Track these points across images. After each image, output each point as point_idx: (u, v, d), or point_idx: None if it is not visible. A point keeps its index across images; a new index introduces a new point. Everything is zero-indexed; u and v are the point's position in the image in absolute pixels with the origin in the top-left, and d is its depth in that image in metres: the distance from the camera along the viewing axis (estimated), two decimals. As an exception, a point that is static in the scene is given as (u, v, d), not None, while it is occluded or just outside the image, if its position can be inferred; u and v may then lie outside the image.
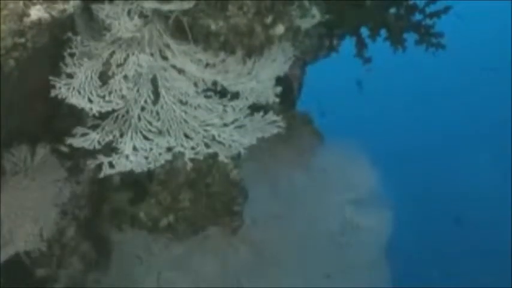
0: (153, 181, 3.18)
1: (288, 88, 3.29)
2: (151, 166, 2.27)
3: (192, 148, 2.26)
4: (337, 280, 3.10)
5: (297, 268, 3.15)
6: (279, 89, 2.68)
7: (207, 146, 2.28)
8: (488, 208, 12.77)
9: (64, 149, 2.49)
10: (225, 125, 2.27)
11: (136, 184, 3.23)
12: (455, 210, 12.51)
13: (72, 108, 2.31)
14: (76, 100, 2.21)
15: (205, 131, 2.27)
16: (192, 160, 3.28)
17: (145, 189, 3.24)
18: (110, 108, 2.23)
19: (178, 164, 3.28)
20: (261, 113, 2.34)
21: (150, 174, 3.29)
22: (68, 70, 2.33)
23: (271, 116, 2.36)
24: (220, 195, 3.35)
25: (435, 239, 12.12)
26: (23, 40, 2.18)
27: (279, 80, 2.79)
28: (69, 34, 2.33)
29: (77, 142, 2.19)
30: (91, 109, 2.22)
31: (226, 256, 3.19)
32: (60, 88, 2.25)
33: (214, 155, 3.39)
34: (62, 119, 2.45)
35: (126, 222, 3.23)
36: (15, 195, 2.32)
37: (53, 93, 2.20)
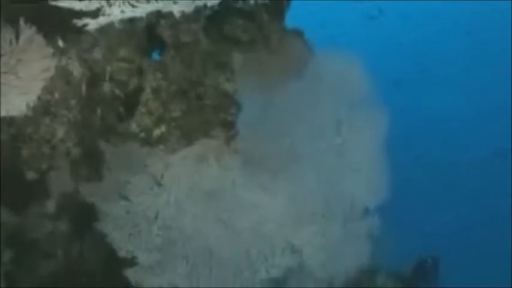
0: (145, 90, 3.15)
1: (276, -6, 3.29)
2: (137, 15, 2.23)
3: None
4: (336, 182, 3.05)
5: (294, 173, 3.09)
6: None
7: (196, -1, 2.24)
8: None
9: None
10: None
11: (127, 96, 3.20)
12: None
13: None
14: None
15: (195, -7, 2.24)
16: (182, 70, 3.31)
17: (135, 101, 3.20)
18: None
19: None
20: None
21: (140, 87, 3.30)
22: None
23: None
24: (212, 107, 3.32)
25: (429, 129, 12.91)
26: None
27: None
28: None
29: (62, 3, 2.15)
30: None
31: (221, 165, 3.13)
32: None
33: (205, 65, 3.44)
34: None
35: (118, 138, 3.18)
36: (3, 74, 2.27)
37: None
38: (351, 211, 3.04)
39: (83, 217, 3.03)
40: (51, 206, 3.08)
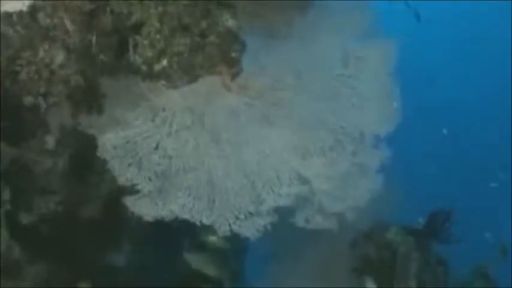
0: (146, 23, 3.08)
1: None
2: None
3: None
4: (345, 113, 2.93)
5: (301, 106, 2.98)
6: None
7: None
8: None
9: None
10: None
11: (128, 29, 3.12)
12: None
13: None
14: None
15: None
16: (185, 4, 3.23)
17: (137, 34, 3.12)
18: None
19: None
20: None
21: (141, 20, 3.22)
22: None
23: None
24: (216, 43, 3.23)
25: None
26: None
27: None
28: None
29: None
30: None
31: (225, 100, 3.04)
32: None
33: (209, 1, 3.36)
34: None
35: (119, 71, 3.10)
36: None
37: None
38: (360, 142, 2.92)
39: (83, 150, 2.95)
40: (50, 140, 3.00)
